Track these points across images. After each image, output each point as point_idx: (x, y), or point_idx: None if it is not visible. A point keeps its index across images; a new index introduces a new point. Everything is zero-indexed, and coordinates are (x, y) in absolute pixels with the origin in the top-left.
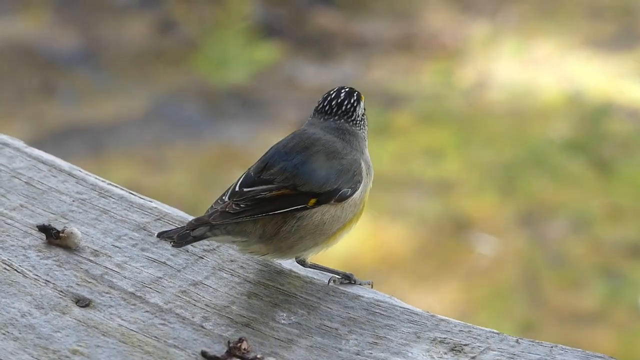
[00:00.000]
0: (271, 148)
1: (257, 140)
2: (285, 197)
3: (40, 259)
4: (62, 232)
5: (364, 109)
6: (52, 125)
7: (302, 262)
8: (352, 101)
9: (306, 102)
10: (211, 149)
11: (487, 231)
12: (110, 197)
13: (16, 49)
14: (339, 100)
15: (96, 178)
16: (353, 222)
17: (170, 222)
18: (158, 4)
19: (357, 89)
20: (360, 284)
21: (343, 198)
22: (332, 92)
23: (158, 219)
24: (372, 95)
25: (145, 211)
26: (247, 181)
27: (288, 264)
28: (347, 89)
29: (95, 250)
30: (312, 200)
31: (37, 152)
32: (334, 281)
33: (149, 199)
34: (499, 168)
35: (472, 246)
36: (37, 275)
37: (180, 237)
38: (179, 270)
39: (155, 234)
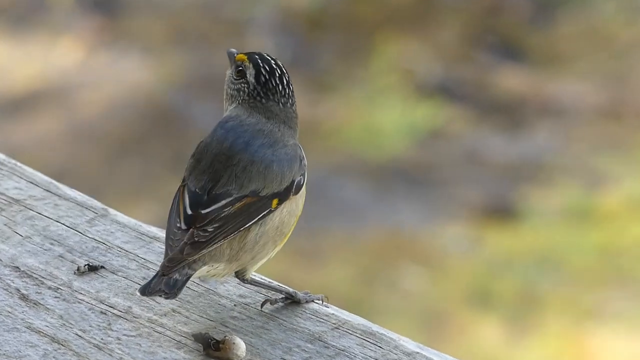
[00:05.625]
0: (201, 152)
1: (432, 227)
2: (248, 206)
3: None
4: (222, 343)
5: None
6: None
7: (243, 277)
8: (287, 77)
9: (492, 181)
10: (376, 237)
11: None
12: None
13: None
14: (278, 77)
15: (262, 278)
16: (301, 212)
17: (351, 332)
18: (311, 62)
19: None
20: (308, 301)
21: (299, 188)
22: (267, 65)
23: (336, 328)
24: (572, 173)
25: (321, 318)
26: (199, 200)
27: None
28: (278, 62)
29: None
30: (275, 201)
31: None
32: (270, 303)
33: (325, 303)
34: None
35: None
36: None
37: (170, 287)
38: None
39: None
